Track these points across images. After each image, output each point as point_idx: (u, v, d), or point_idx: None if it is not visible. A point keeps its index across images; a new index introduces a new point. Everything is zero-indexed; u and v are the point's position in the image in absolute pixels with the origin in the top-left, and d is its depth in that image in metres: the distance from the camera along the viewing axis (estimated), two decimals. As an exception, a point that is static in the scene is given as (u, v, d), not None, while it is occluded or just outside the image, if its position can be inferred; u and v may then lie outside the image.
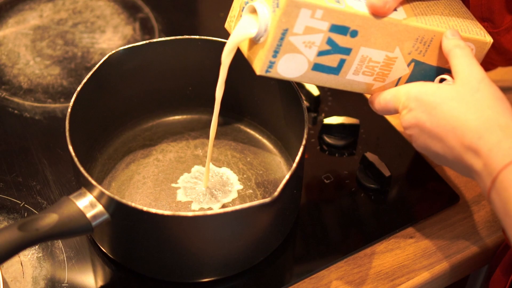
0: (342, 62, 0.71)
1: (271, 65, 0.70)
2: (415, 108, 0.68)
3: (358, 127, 0.91)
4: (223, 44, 0.84)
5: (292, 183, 0.74)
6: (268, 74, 0.70)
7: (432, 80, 0.74)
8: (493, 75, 0.80)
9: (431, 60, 0.73)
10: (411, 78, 0.74)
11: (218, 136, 0.89)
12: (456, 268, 0.81)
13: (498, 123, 0.63)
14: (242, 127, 0.92)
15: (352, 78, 0.73)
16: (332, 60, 0.71)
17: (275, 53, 0.69)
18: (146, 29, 1.07)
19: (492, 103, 0.65)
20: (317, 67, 0.71)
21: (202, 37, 0.85)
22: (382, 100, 0.73)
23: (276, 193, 0.69)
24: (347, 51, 0.70)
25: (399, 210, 0.86)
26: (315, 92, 0.94)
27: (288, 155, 0.88)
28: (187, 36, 0.85)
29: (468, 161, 0.65)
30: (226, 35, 0.88)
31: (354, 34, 0.69)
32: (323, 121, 0.92)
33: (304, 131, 0.76)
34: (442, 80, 0.73)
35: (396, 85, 0.74)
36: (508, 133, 0.63)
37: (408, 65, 0.73)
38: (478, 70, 0.67)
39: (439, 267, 0.80)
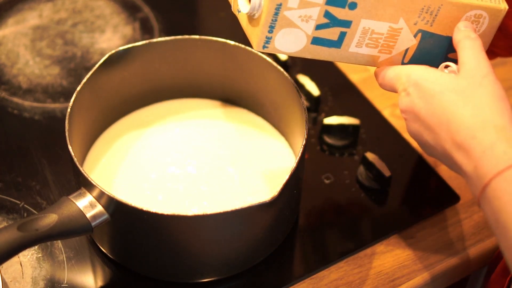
0: (342, 35, 0.69)
1: (267, 40, 0.68)
2: (413, 93, 0.66)
3: (358, 127, 0.91)
4: (223, 44, 0.85)
5: (292, 183, 0.74)
6: (266, 50, 0.69)
7: (442, 50, 0.72)
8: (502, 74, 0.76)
9: (440, 30, 0.71)
10: (419, 49, 0.71)
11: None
12: (456, 269, 0.81)
13: (494, 123, 0.61)
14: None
15: (356, 50, 0.71)
16: (332, 34, 0.69)
17: (271, 28, 0.67)
18: (146, 29, 1.07)
19: (491, 102, 0.62)
20: (316, 41, 0.69)
21: (202, 37, 0.85)
22: (386, 76, 0.71)
23: (276, 193, 0.69)
24: (347, 23, 0.68)
25: (399, 210, 0.85)
26: (315, 92, 0.94)
27: (288, 155, 0.88)
28: (187, 36, 0.85)
29: (457, 160, 0.62)
30: (226, 35, 0.88)
31: (353, 6, 0.67)
32: (323, 121, 0.92)
33: (304, 131, 0.76)
34: (447, 67, 0.70)
35: (404, 56, 0.72)
36: (503, 136, 0.60)
37: (415, 35, 0.70)
38: (485, 64, 0.65)
39: (439, 267, 0.80)
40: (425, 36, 0.71)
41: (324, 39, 0.69)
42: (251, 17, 0.69)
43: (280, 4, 0.66)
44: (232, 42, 0.84)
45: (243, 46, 0.84)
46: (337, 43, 0.70)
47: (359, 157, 0.90)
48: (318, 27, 0.68)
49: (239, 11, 0.71)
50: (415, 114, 0.66)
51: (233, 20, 1.10)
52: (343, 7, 0.67)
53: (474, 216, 0.85)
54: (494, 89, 0.63)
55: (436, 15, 0.69)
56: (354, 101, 0.97)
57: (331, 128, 0.92)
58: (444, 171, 0.89)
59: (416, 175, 0.89)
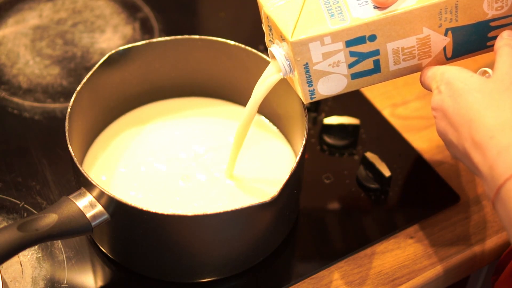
0: (377, 62, 0.71)
1: (312, 92, 0.72)
2: (444, 92, 0.67)
3: (358, 127, 0.91)
4: (223, 44, 0.85)
5: (292, 183, 0.74)
6: (315, 99, 0.73)
7: (481, 34, 0.72)
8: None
9: (467, 20, 0.70)
10: (456, 42, 0.72)
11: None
12: (456, 269, 0.81)
13: None
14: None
15: (396, 67, 0.72)
16: (366, 65, 0.71)
17: (309, 83, 0.71)
18: (146, 29, 1.07)
19: None
20: (356, 75, 0.71)
21: (202, 37, 0.85)
22: (424, 75, 0.72)
23: (276, 193, 0.69)
24: (375, 52, 0.70)
25: (399, 210, 0.85)
26: (315, 92, 0.94)
27: (288, 155, 0.88)
28: (187, 36, 0.85)
29: (474, 159, 0.63)
30: (226, 35, 0.88)
31: (372, 38, 0.69)
32: (323, 121, 0.92)
33: (304, 131, 0.76)
34: (485, 73, 0.70)
35: (445, 53, 0.72)
36: None
37: (445, 34, 0.71)
38: None
39: (439, 267, 0.80)
40: (456, 31, 0.71)
41: (362, 71, 0.71)
42: (290, 78, 0.73)
43: (307, 63, 0.69)
44: (232, 42, 0.84)
45: (243, 46, 0.84)
46: (375, 70, 0.72)
47: (359, 157, 0.90)
48: (350, 65, 0.70)
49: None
50: (444, 112, 0.67)
51: (233, 20, 1.11)
52: (364, 42, 0.69)
53: (474, 216, 0.85)
54: None
55: (456, 11, 0.70)
56: (354, 101, 0.97)
57: (331, 128, 0.92)
58: (444, 171, 0.89)
59: (416, 175, 0.89)
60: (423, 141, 0.93)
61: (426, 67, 0.72)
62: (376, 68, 0.71)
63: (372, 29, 0.68)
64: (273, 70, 0.74)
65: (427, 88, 0.72)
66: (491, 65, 0.68)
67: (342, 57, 0.69)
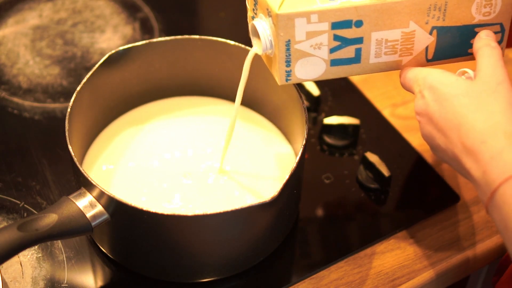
0: (358, 50, 0.70)
1: (288, 74, 0.71)
2: (428, 96, 0.66)
3: (358, 127, 0.91)
4: (223, 44, 0.85)
5: (292, 183, 0.74)
6: (290, 82, 0.72)
7: (465, 38, 0.71)
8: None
9: (454, 21, 0.70)
10: (440, 43, 0.71)
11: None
12: (456, 269, 0.81)
13: (504, 130, 0.60)
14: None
15: (376, 61, 0.71)
16: (347, 52, 0.70)
17: (288, 62, 0.70)
18: (146, 29, 1.07)
19: (504, 108, 0.62)
20: (335, 62, 0.71)
21: (202, 37, 0.85)
22: (405, 77, 0.71)
23: (276, 193, 0.69)
24: (358, 40, 0.69)
25: (399, 210, 0.85)
26: (315, 92, 0.94)
27: (289, 155, 0.88)
28: (187, 36, 0.85)
29: (466, 164, 0.63)
30: (226, 35, 0.88)
31: (359, 24, 0.68)
32: (323, 121, 0.92)
33: (304, 131, 0.76)
34: (464, 74, 0.70)
35: (426, 53, 0.72)
36: None
37: (430, 33, 0.70)
38: (501, 71, 0.65)
39: (439, 267, 0.80)
40: (441, 31, 0.71)
41: (342, 59, 0.71)
42: (268, 56, 0.72)
43: (289, 40, 0.68)
44: (232, 42, 0.84)
45: (243, 46, 0.84)
46: (355, 59, 0.71)
47: (359, 157, 0.90)
48: (332, 50, 0.70)
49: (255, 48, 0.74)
50: (429, 117, 0.66)
51: (233, 20, 1.11)
52: (350, 27, 0.68)
53: (474, 216, 0.85)
54: (507, 96, 0.63)
55: (445, 10, 0.69)
56: (354, 101, 0.97)
57: (331, 128, 0.92)
58: (444, 171, 0.89)
59: (416, 175, 0.89)
60: (423, 141, 0.92)
61: (405, 67, 0.72)
62: (357, 57, 0.71)
63: (360, 14, 0.68)
64: (255, 43, 0.73)
65: (408, 89, 0.71)
66: None
67: (325, 40, 0.69)
